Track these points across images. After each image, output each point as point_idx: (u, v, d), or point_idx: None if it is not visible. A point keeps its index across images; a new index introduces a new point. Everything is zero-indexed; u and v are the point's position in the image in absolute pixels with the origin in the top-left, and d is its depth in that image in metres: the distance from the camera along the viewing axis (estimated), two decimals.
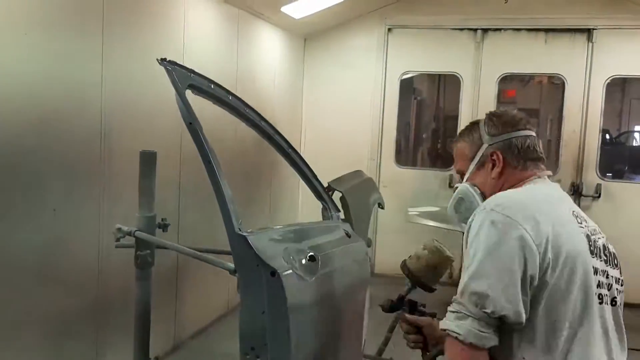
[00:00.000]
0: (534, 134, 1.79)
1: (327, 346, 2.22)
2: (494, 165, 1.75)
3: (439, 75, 7.24)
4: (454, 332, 1.52)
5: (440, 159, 7.08)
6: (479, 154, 1.78)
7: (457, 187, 1.84)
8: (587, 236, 1.62)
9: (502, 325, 1.53)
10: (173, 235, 3.36)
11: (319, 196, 2.70)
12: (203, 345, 4.54)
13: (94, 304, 3.56)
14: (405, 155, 6.99)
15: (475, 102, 6.14)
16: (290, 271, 1.82)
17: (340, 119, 6.43)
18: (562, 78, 6.06)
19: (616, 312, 1.67)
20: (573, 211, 1.68)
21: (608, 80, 5.90)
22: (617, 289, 1.67)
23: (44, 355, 3.16)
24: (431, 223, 5.01)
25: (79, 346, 3.45)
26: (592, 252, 1.60)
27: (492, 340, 1.52)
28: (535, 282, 1.50)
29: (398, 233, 6.05)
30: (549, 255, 1.51)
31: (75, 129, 3.19)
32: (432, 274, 1.84)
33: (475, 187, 1.78)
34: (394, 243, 5.78)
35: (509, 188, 1.73)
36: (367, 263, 2.68)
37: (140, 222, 2.17)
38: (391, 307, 1.89)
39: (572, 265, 1.53)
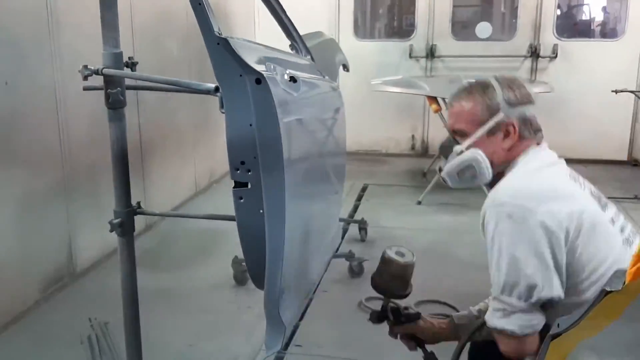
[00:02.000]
0: None
1: (316, 171, 2.21)
2: (505, 135, 1.66)
3: None
4: (508, 329, 1.53)
5: (399, 30, 6.95)
6: (493, 120, 1.65)
7: (461, 151, 1.70)
8: (592, 194, 1.63)
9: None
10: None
11: (289, 35, 2.60)
12: (174, 224, 4.53)
13: (61, 180, 3.47)
14: (363, 28, 6.84)
15: None
16: (277, 78, 1.74)
17: None
18: None
19: None
20: (570, 174, 1.67)
21: None
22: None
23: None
24: (396, 90, 4.97)
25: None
26: (602, 208, 1.61)
27: (542, 322, 1.54)
28: (565, 259, 1.51)
29: (362, 108, 6.03)
30: (571, 230, 1.50)
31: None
32: (398, 283, 1.81)
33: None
34: (358, 119, 5.74)
35: (513, 159, 1.68)
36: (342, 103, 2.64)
37: (106, 59, 2.02)
38: (378, 317, 1.91)
39: (590, 227, 1.52)
